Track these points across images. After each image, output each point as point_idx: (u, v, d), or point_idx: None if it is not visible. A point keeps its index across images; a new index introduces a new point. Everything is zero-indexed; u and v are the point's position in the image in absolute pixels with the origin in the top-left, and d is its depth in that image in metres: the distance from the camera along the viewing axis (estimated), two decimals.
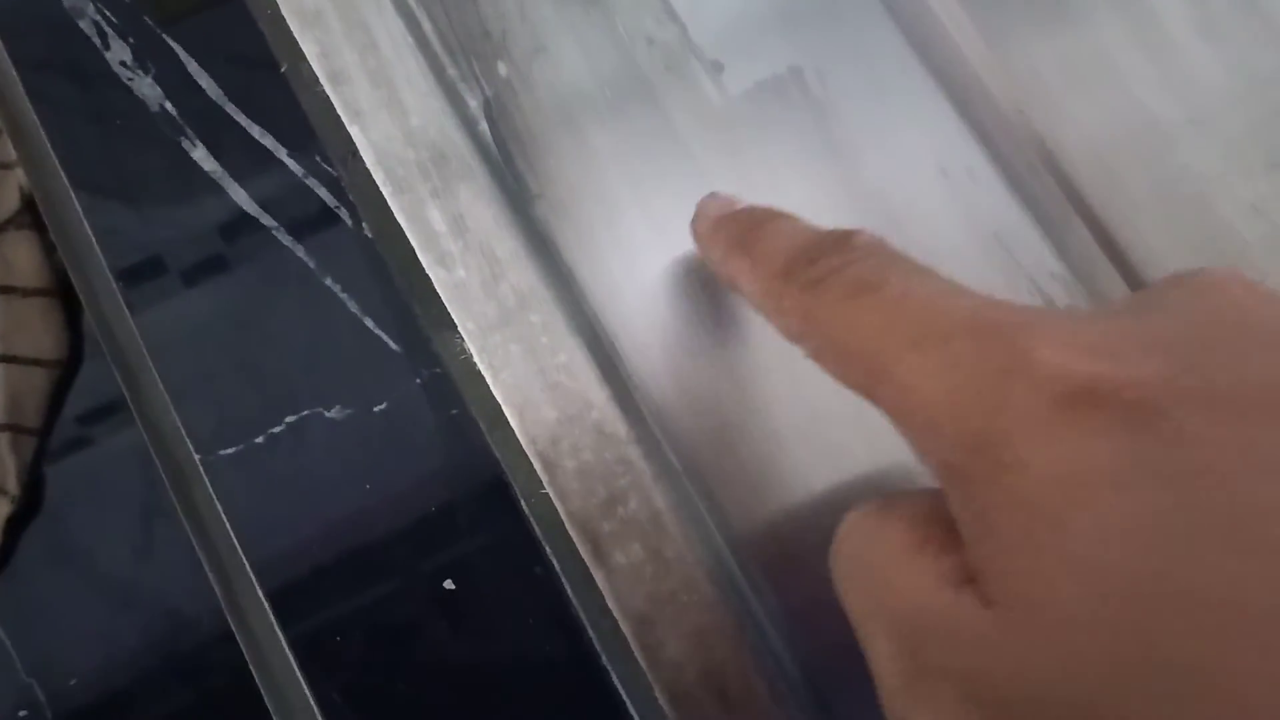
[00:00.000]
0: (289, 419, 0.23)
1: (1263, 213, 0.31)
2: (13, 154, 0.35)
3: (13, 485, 0.34)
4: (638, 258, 0.27)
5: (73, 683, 0.33)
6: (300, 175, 0.24)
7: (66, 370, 0.35)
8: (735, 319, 0.28)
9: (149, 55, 0.25)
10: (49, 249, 0.35)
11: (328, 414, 0.23)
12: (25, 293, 0.35)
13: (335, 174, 0.24)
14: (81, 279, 0.24)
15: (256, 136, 0.24)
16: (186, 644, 0.33)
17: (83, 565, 0.35)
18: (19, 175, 0.35)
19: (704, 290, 0.28)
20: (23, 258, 0.35)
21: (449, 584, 0.22)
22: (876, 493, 0.26)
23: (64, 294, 0.36)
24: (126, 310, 0.23)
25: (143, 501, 0.34)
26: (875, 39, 0.31)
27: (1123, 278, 0.30)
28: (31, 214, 0.35)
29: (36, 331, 0.35)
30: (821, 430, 0.27)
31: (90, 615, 0.33)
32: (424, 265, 0.24)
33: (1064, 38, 0.32)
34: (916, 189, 0.29)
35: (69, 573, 0.34)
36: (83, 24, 0.25)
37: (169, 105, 0.24)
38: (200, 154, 0.24)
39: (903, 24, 0.31)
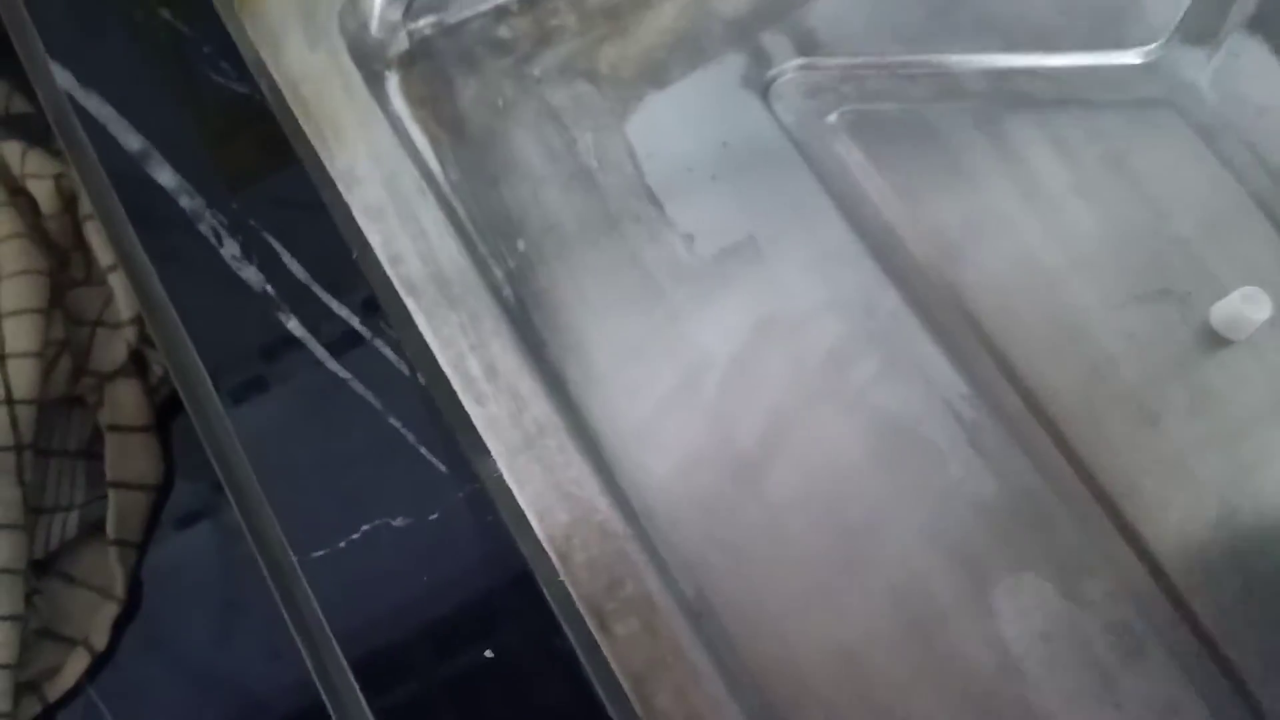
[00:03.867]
0: (364, 527, 0.29)
1: (1134, 338, 0.38)
2: (122, 315, 0.41)
3: (120, 591, 0.39)
4: (632, 390, 0.34)
5: None
6: (369, 338, 0.31)
7: (161, 492, 0.41)
8: (713, 439, 0.34)
9: (253, 249, 0.31)
10: (148, 392, 0.42)
11: (393, 523, 0.29)
12: (130, 429, 0.41)
13: (396, 337, 0.31)
14: (202, 418, 0.30)
15: (335, 309, 0.31)
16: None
17: (169, 654, 0.40)
18: (126, 333, 0.41)
19: (685, 417, 0.34)
20: (129, 401, 0.41)
21: (489, 653, 0.28)
22: (841, 577, 0.32)
23: (160, 429, 0.42)
24: (238, 440, 0.29)
25: (222, 597, 0.40)
26: (813, 208, 0.38)
27: (1020, 398, 0.36)
28: (135, 363, 0.42)
29: (138, 461, 0.41)
30: (786, 524, 0.33)
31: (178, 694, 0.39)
32: (464, 404, 0.30)
33: (965, 198, 0.39)
34: (848, 327, 0.36)
35: (160, 660, 0.40)
36: (201, 226, 0.32)
37: (269, 288, 0.31)
38: (293, 324, 0.30)
39: (834, 195, 0.38)
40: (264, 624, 0.37)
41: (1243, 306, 0.38)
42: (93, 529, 0.40)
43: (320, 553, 0.28)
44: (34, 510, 0.39)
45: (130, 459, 0.40)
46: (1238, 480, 0.36)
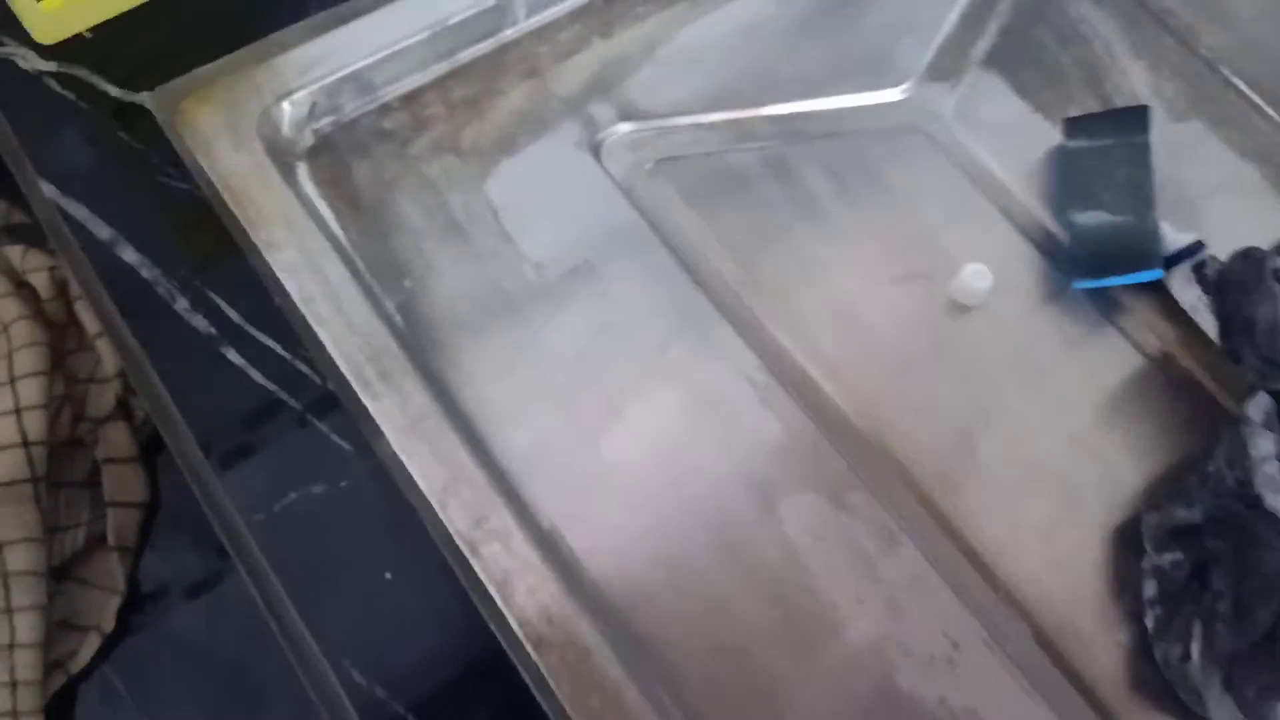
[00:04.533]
0: (292, 494, 0.39)
1: (892, 311, 0.48)
2: (108, 371, 0.52)
3: (122, 586, 0.49)
4: (496, 384, 0.44)
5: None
6: (290, 359, 0.41)
7: (150, 508, 0.52)
8: (562, 416, 0.44)
9: (199, 303, 0.42)
10: (134, 431, 0.52)
11: (314, 490, 0.39)
12: (121, 461, 0.51)
13: (310, 357, 0.41)
14: (168, 425, 0.40)
15: (264, 342, 0.41)
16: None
17: (164, 632, 0.50)
18: (113, 385, 0.52)
19: (540, 402, 0.44)
20: (119, 439, 0.51)
21: (388, 575, 0.38)
22: (666, 506, 0.42)
23: (146, 459, 0.52)
24: (194, 437, 0.40)
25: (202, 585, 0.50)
26: (637, 236, 0.49)
27: (801, 364, 0.47)
28: (122, 409, 0.52)
29: (130, 486, 0.51)
30: (622, 472, 0.43)
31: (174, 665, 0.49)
32: (363, 400, 0.41)
33: (756, 218, 0.50)
34: (666, 324, 0.46)
35: (156, 637, 0.49)
36: (159, 290, 0.42)
37: (214, 330, 0.41)
38: (233, 355, 0.41)
39: (653, 225, 0.49)
40: (238, 600, 0.47)
41: (971, 279, 0.48)
42: (98, 540, 0.50)
43: (260, 516, 0.38)
44: (50, 529, 0.49)
45: (123, 484, 0.50)
46: (973, 411, 0.47)
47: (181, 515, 0.51)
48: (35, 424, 0.48)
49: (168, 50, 0.47)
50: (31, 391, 0.48)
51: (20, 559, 0.46)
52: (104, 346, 0.50)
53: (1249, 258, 0.46)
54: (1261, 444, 0.41)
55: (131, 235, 0.43)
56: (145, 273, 0.42)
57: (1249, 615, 0.39)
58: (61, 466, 0.50)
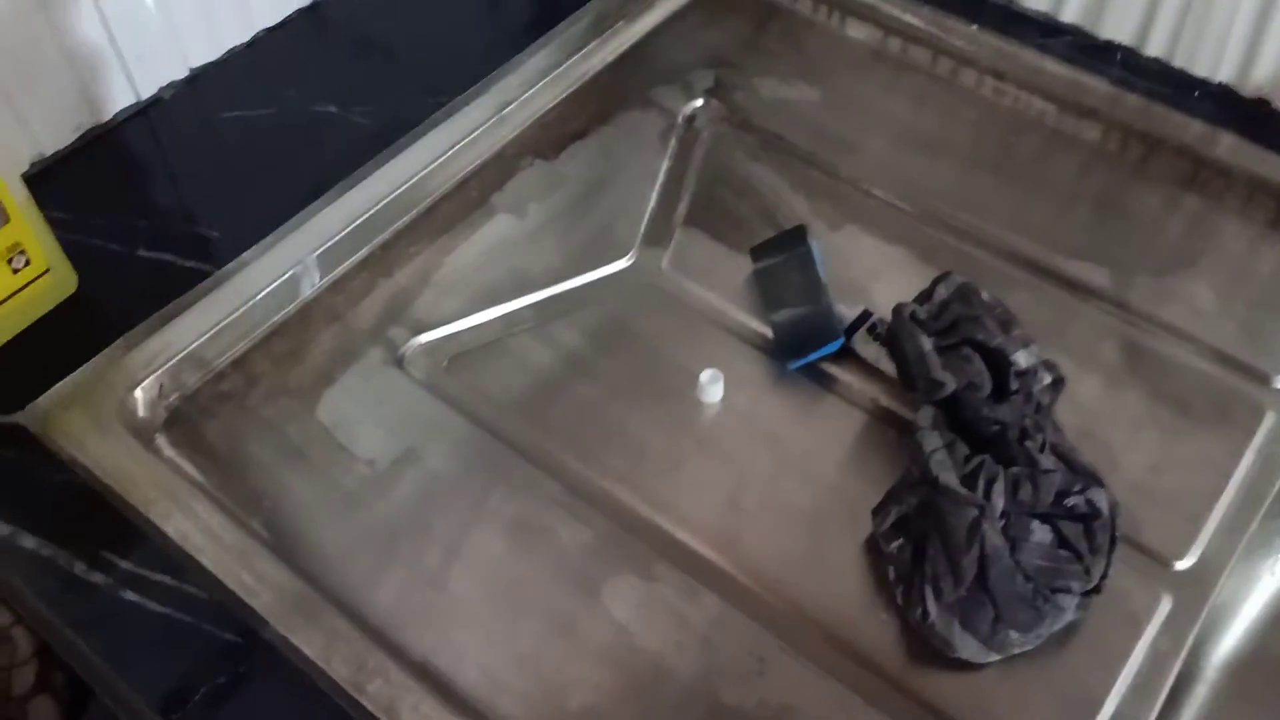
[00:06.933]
0: (202, 689, 0.46)
1: (657, 421, 0.60)
2: (26, 653, 0.58)
3: None
4: (345, 556, 0.53)
5: None
6: (178, 585, 0.49)
7: None
8: (404, 566, 0.53)
9: (95, 564, 0.50)
10: (56, 698, 0.58)
11: (218, 682, 0.46)
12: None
13: (197, 580, 0.49)
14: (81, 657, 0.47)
15: (153, 578, 0.49)
16: None
17: None
18: (32, 665, 0.58)
19: (378, 560, 0.53)
20: (45, 707, 0.57)
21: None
22: (502, 611, 0.51)
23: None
24: (107, 659, 0.47)
25: None
26: (442, 418, 0.59)
27: (594, 483, 0.57)
28: (41, 683, 0.58)
29: None
30: (460, 593, 0.52)
31: None
32: (243, 598, 0.49)
33: (530, 382, 0.61)
34: (481, 480, 0.57)
35: None
36: (59, 562, 0.50)
37: (109, 579, 0.49)
38: (129, 595, 0.49)
39: (454, 408, 0.60)
40: None
41: (707, 382, 0.60)
42: None
43: (177, 716, 0.46)
44: None
45: None
46: (736, 482, 0.58)
47: None
48: None
49: (30, 376, 0.56)
50: None
51: None
52: (19, 633, 0.57)
53: (896, 311, 0.59)
54: (930, 440, 0.53)
55: (25, 525, 0.51)
56: (45, 551, 0.50)
57: (958, 567, 0.50)
58: None
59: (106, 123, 0.68)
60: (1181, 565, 0.55)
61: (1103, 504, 0.51)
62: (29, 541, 0.51)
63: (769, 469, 0.58)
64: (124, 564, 0.50)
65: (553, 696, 0.49)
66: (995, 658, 0.51)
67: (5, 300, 0.55)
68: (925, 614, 0.51)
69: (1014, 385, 0.55)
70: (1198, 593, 0.53)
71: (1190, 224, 0.69)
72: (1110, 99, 0.72)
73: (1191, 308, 0.65)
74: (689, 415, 0.61)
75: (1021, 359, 0.56)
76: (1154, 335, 0.64)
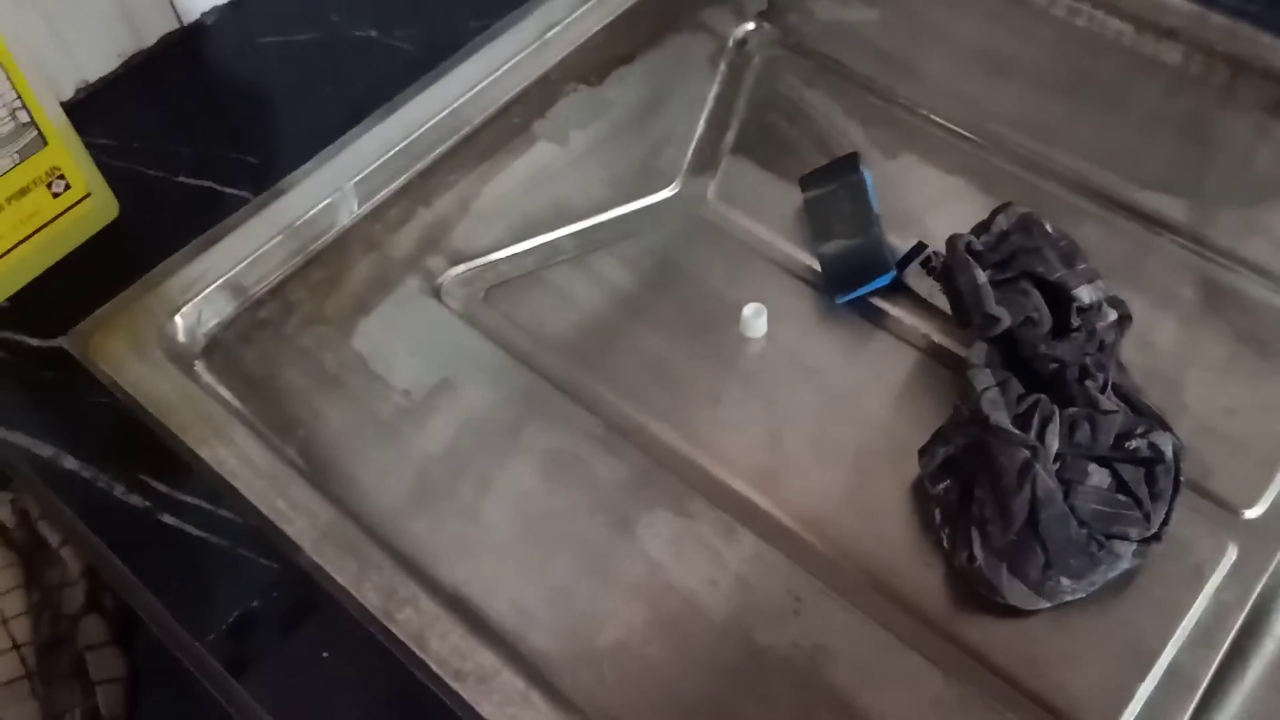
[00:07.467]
0: (236, 612, 0.46)
1: (696, 356, 0.58)
2: (74, 574, 0.59)
3: None
4: (380, 486, 0.52)
5: None
6: (214, 509, 0.49)
7: (132, 681, 0.58)
8: (441, 497, 0.52)
9: (134, 487, 0.50)
10: (107, 618, 0.59)
11: (253, 605, 0.47)
12: (100, 645, 0.58)
13: (232, 504, 0.49)
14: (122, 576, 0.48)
15: (191, 502, 0.49)
16: None
17: None
18: (82, 585, 0.59)
19: (420, 492, 0.52)
20: (94, 629, 0.58)
21: (325, 654, 0.45)
22: (539, 546, 0.50)
23: (119, 639, 0.59)
24: (148, 589, 0.47)
25: None
26: (480, 350, 0.58)
27: (632, 416, 0.56)
28: (92, 603, 0.59)
29: (112, 664, 0.58)
30: (495, 529, 0.51)
31: None
32: (278, 524, 0.49)
33: (573, 316, 0.60)
34: (516, 411, 0.55)
35: None
36: (99, 484, 0.50)
37: (149, 504, 0.49)
38: (168, 518, 0.49)
39: (492, 339, 0.58)
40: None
41: (751, 316, 0.58)
42: (94, 714, 0.56)
43: (212, 636, 0.46)
44: (50, 717, 0.55)
45: (105, 664, 0.57)
46: (778, 419, 0.56)
47: (161, 682, 0.58)
48: (21, 629, 0.55)
49: (72, 300, 0.56)
50: (13, 603, 0.55)
51: None
52: (68, 554, 0.58)
53: (950, 242, 0.56)
54: (982, 378, 0.50)
55: (68, 448, 0.52)
56: (85, 473, 0.51)
57: (1007, 511, 0.48)
58: (50, 663, 0.56)
59: (149, 48, 0.67)
60: (1251, 514, 0.51)
61: (1166, 447, 0.48)
62: (70, 463, 0.51)
63: (813, 407, 0.56)
64: (162, 487, 0.50)
65: (583, 631, 0.49)
66: (1045, 605, 0.48)
67: (46, 225, 0.55)
68: (972, 557, 0.49)
69: (1075, 322, 0.52)
70: (1267, 543, 0.50)
71: (1278, 154, 0.64)
72: (1193, 18, 0.66)
73: (1276, 243, 0.60)
74: (731, 350, 0.59)
75: (1084, 294, 0.52)
76: (1234, 272, 0.60)
